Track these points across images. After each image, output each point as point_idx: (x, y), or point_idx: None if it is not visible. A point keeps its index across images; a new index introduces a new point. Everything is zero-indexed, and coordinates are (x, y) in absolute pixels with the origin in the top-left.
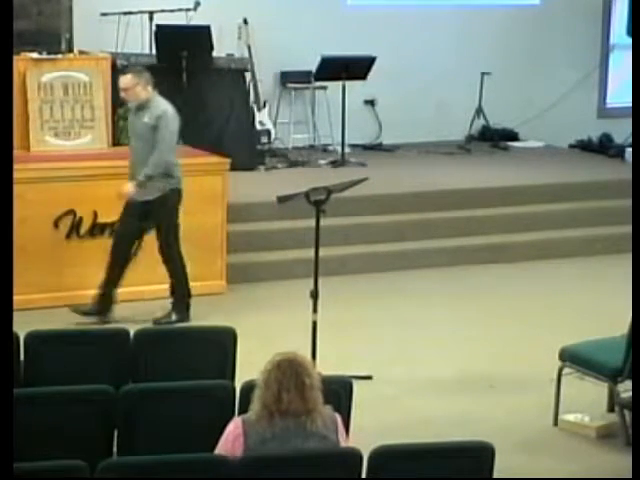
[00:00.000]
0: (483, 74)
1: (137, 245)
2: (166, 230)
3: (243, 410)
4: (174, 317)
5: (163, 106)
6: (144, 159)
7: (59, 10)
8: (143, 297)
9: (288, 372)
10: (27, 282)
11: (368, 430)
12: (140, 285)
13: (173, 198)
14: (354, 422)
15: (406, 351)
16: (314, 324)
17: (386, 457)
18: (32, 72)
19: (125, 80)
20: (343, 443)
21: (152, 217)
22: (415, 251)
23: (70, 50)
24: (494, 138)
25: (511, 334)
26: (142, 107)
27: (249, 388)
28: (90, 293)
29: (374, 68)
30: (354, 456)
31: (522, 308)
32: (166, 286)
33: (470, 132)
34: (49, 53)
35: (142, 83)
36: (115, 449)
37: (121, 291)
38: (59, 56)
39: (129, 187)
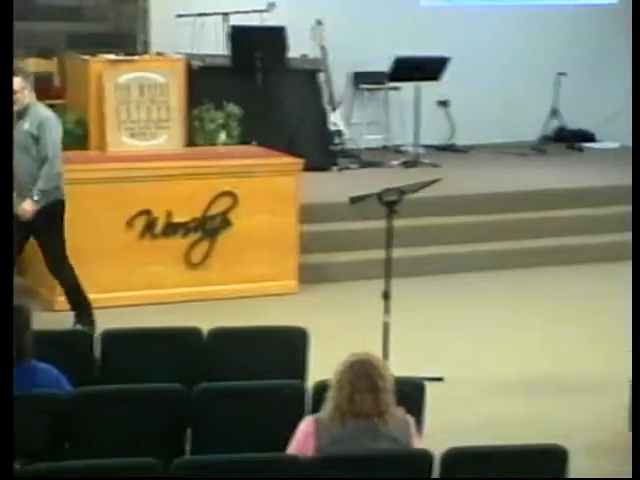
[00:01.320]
0: (559, 74)
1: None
2: (52, 243)
3: (315, 410)
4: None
5: (43, 112)
6: (26, 170)
7: (136, 12)
8: (217, 297)
9: (361, 373)
10: (100, 281)
11: (439, 432)
12: (214, 285)
13: (59, 209)
14: (425, 424)
15: (478, 353)
16: (386, 325)
17: (457, 459)
18: (109, 73)
19: (17, 83)
20: (416, 445)
21: (36, 229)
22: (488, 252)
23: (146, 52)
24: (570, 139)
25: (585, 336)
26: (22, 114)
27: (321, 388)
28: (162, 293)
29: (447, 68)
30: (425, 458)
31: (596, 309)
32: (240, 286)
33: (545, 133)
34: (126, 55)
35: (28, 87)
36: (188, 448)
37: (193, 290)
38: (135, 57)
39: (27, 205)
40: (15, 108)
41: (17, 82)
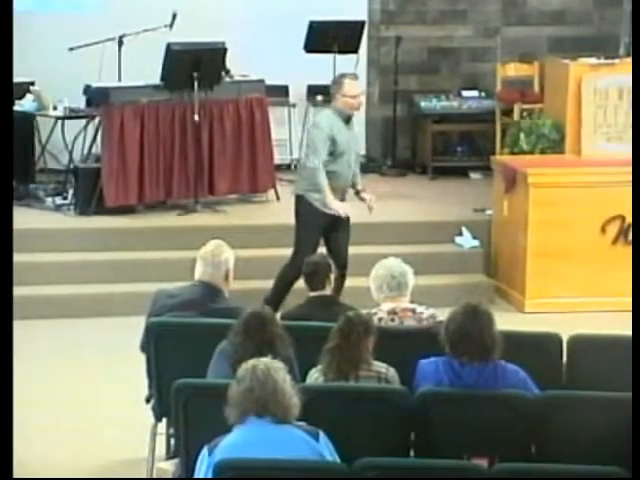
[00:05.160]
0: None
1: None
2: (349, 236)
3: None
4: None
5: None
6: (353, 171)
7: (620, 15)
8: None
9: None
10: (571, 284)
11: None
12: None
13: None
14: None
15: None
16: None
17: None
18: (588, 77)
19: (360, 86)
20: None
21: (342, 228)
22: None
23: (628, 55)
24: None
25: None
26: (350, 118)
27: None
28: (629, 300)
29: None
30: None
31: None
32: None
33: None
34: (606, 58)
35: None
36: None
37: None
38: (616, 61)
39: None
40: (353, 112)
41: (360, 86)
